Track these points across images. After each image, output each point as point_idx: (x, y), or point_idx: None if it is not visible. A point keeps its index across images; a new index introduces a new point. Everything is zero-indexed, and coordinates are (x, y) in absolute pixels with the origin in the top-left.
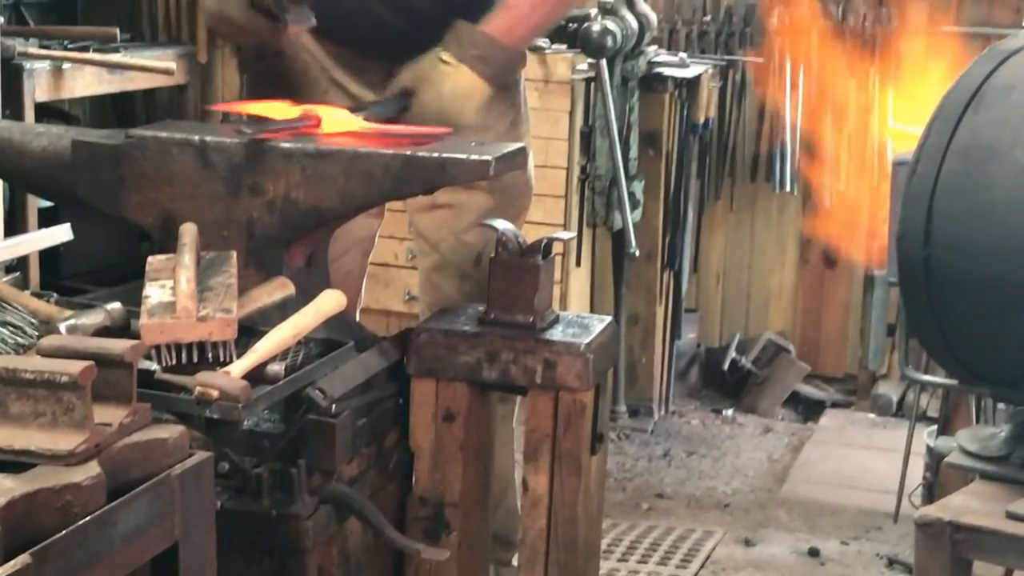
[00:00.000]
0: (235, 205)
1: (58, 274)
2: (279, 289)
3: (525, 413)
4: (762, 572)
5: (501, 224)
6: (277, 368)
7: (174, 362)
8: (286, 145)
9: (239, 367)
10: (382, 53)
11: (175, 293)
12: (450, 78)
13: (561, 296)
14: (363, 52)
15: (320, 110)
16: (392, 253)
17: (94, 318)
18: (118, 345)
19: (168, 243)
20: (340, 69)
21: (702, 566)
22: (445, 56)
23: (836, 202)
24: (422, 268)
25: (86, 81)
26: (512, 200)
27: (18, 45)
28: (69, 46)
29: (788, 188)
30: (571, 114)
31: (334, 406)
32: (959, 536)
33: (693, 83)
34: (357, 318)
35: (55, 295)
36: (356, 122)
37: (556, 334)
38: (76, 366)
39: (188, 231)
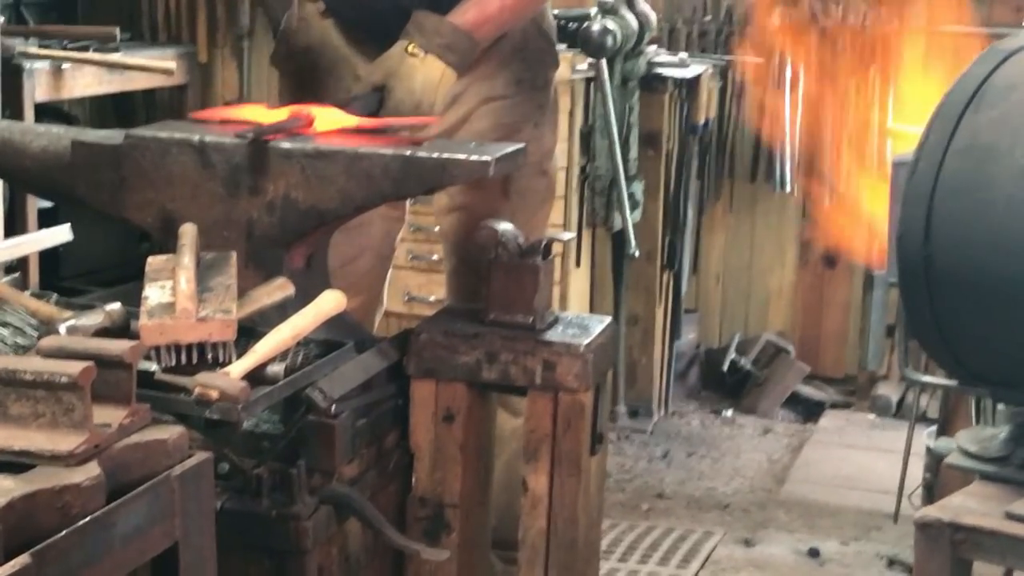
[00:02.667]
0: (235, 205)
1: (58, 275)
2: (279, 290)
3: (525, 414)
4: (762, 572)
5: (501, 225)
6: (277, 369)
7: (174, 363)
8: (286, 145)
9: (239, 368)
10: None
11: (175, 294)
12: (420, 71)
13: (561, 296)
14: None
15: (311, 109)
16: None
17: (94, 319)
18: (118, 346)
19: (168, 243)
20: (364, 62)
21: (702, 566)
22: (411, 48)
23: (836, 202)
24: (446, 270)
25: (86, 81)
26: (532, 205)
27: (18, 45)
28: (69, 46)
29: (788, 188)
30: (571, 114)
31: (334, 407)
32: (959, 537)
33: (693, 83)
34: (376, 323)
35: (55, 296)
36: (348, 119)
37: (556, 335)
38: (76, 367)
39: (188, 232)
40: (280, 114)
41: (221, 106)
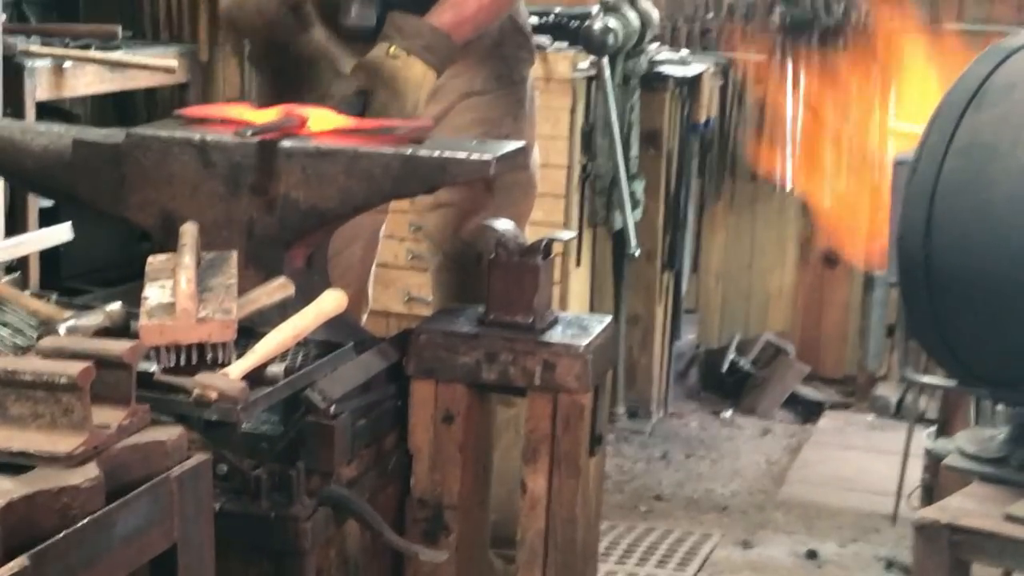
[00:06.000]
0: (235, 205)
1: (58, 274)
2: (279, 290)
3: (524, 414)
4: (760, 574)
5: (501, 224)
6: (276, 369)
7: (173, 363)
8: (286, 145)
9: (238, 368)
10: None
11: (175, 294)
12: (402, 73)
13: (561, 296)
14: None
15: (303, 110)
16: (392, 253)
17: (94, 319)
18: (117, 346)
19: (168, 243)
20: (348, 59)
21: (700, 568)
22: (393, 50)
23: (836, 202)
24: (430, 269)
25: (87, 80)
26: (515, 199)
27: (19, 43)
28: (70, 44)
29: (789, 187)
30: (572, 112)
31: (333, 407)
32: (957, 538)
33: (694, 82)
34: (363, 318)
35: (55, 295)
36: (341, 119)
37: (555, 335)
38: (75, 367)
39: (188, 231)
40: (269, 114)
41: (209, 104)
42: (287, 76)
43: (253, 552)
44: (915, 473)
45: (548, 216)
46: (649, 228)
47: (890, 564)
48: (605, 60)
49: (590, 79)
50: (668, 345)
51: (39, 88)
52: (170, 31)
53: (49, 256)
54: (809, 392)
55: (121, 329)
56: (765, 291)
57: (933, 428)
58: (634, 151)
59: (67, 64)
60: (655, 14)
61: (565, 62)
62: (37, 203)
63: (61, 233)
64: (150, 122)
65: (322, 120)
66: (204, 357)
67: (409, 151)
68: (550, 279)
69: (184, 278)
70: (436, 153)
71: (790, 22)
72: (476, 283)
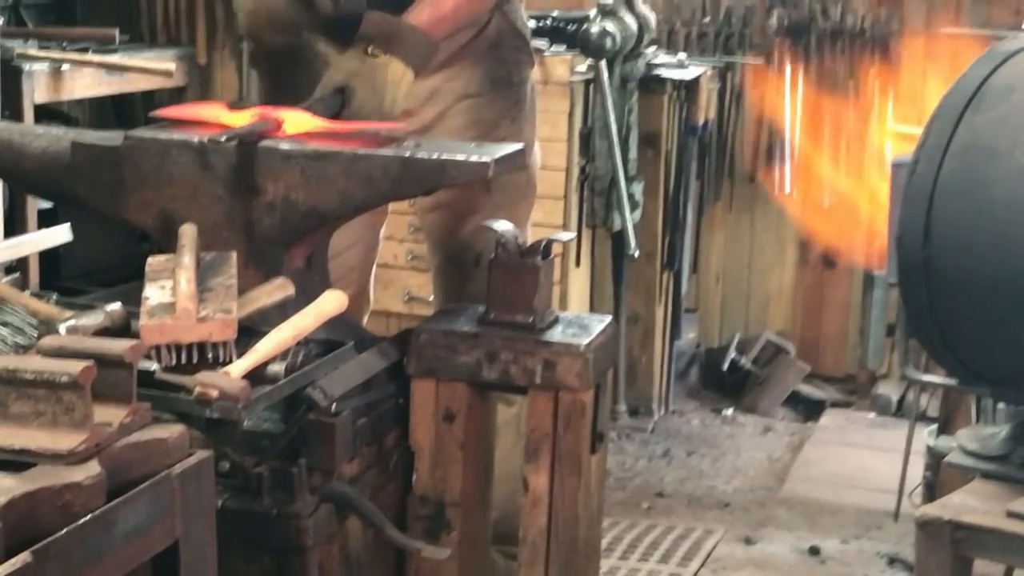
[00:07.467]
0: (234, 206)
1: (58, 275)
2: (279, 290)
3: (525, 413)
4: (762, 571)
5: (500, 225)
6: (277, 368)
7: (174, 362)
8: (285, 146)
9: (239, 367)
10: None
11: (175, 294)
12: (381, 71)
13: (561, 296)
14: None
15: (279, 112)
16: (392, 253)
17: (94, 319)
18: (118, 345)
19: (168, 244)
20: (334, 58)
21: (702, 565)
22: (372, 49)
23: (835, 203)
24: (431, 269)
25: (85, 82)
26: (514, 200)
27: (17, 47)
28: (68, 47)
29: (787, 189)
30: (570, 115)
31: (334, 406)
32: (959, 535)
33: (692, 84)
34: (365, 320)
35: (55, 295)
36: (316, 122)
37: (556, 334)
38: (76, 366)
39: (188, 232)
40: (244, 116)
41: (182, 104)
42: (288, 78)
43: (255, 549)
44: (917, 470)
45: (547, 218)
46: (648, 229)
47: (892, 560)
48: (603, 63)
49: (588, 82)
50: (668, 344)
51: (37, 91)
52: (167, 34)
53: (49, 257)
54: (810, 391)
55: (121, 329)
56: (765, 291)
57: (934, 426)
58: (633, 153)
59: (65, 67)
60: (652, 18)
61: (563, 66)
62: (36, 204)
63: (60, 234)
64: (148, 125)
65: (297, 122)
66: (205, 356)
67: (408, 153)
68: (550, 279)
69: (184, 278)
70: (435, 155)
71: (787, 25)
72: (476, 283)
